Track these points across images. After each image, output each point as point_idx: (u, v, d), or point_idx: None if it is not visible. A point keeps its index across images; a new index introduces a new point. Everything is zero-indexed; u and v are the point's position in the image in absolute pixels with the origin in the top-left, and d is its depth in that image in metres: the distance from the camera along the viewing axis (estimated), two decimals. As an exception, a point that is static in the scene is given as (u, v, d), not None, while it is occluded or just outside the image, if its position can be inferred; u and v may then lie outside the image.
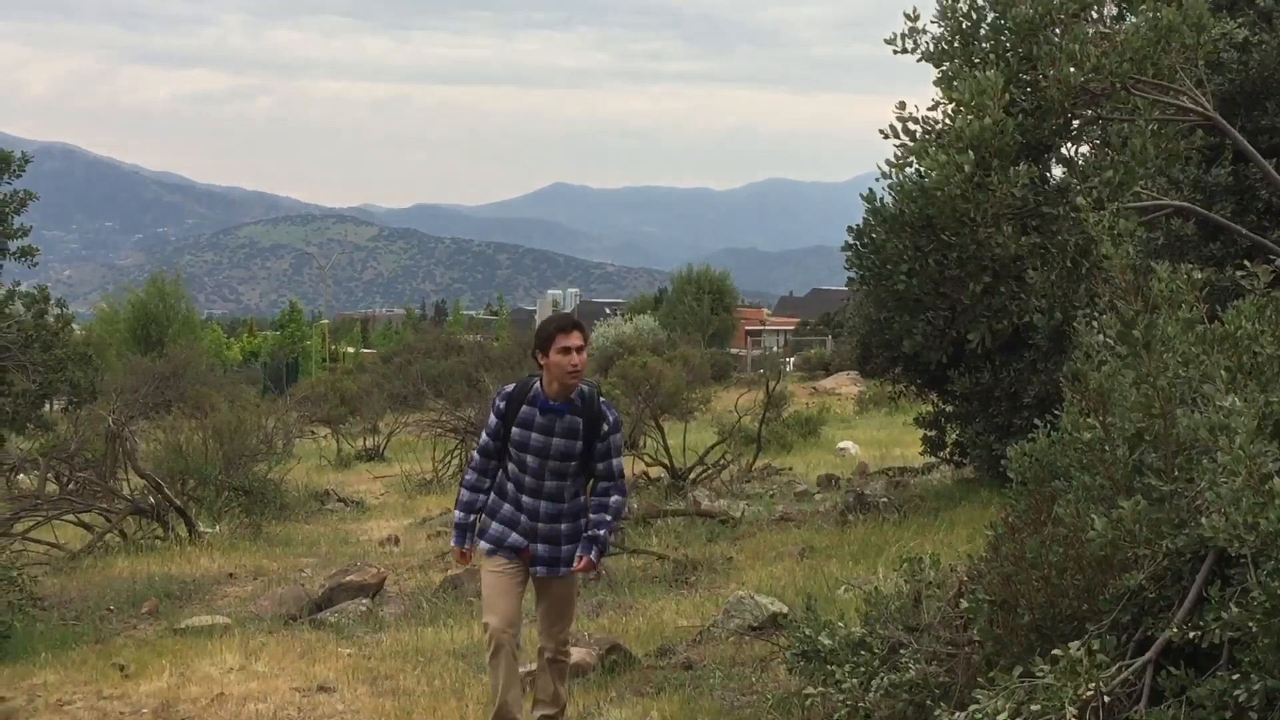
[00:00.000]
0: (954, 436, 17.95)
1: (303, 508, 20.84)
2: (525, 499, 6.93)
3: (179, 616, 12.27)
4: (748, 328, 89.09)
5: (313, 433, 34.16)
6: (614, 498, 7.01)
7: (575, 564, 6.96)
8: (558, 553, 6.99)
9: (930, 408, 18.48)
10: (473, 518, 7.07)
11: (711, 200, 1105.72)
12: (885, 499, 15.71)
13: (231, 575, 14.83)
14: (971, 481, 16.74)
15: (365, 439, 32.24)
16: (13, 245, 14.54)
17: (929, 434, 18.43)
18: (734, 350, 72.52)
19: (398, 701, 8.90)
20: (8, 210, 14.42)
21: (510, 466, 6.96)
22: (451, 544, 7.35)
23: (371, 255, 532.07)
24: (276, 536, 17.97)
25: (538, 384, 6.85)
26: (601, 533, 6.96)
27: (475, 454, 7.10)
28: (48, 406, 16.66)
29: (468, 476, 7.12)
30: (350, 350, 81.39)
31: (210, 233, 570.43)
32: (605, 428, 6.91)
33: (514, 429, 6.84)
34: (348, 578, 12.92)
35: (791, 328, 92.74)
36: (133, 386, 32.58)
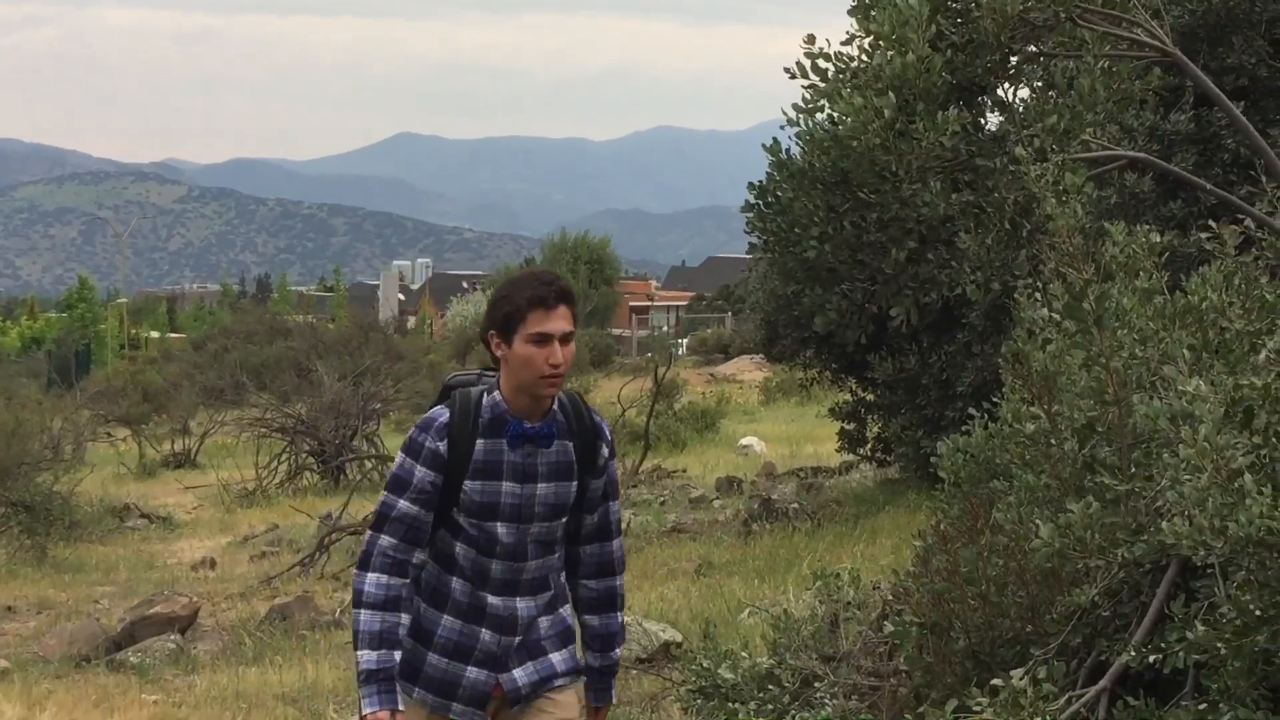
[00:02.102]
0: (876, 430, 18.13)
1: (97, 526, 20.52)
2: (492, 601, 4.60)
3: (-55, 660, 12.03)
4: (633, 304, 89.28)
5: (109, 435, 33.66)
6: (618, 579, 4.95)
7: (592, 716, 5.02)
8: (550, 668, 4.76)
9: (848, 397, 18.65)
10: (396, 655, 4.45)
11: (588, 152, 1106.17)
12: (796, 505, 15.80)
13: (9, 609, 14.57)
14: (897, 483, 16.92)
15: (173, 442, 31.83)
16: None
17: (847, 428, 18.59)
18: (616, 331, 72.67)
19: (215, 757, 8.81)
20: None
21: (458, 550, 4.60)
22: (364, 710, 4.38)
23: (179, 220, 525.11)
24: (65, 562, 17.70)
25: (497, 396, 4.57)
26: (617, 653, 5.02)
27: (380, 535, 4.52)
28: None
29: (370, 579, 4.46)
30: (154, 335, 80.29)
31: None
32: (605, 452, 4.77)
33: (467, 484, 4.52)
34: (153, 610, 12.75)
35: (684, 303, 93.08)
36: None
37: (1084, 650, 5.63)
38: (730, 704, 7.25)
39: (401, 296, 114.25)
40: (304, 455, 24.57)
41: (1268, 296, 5.60)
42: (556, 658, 4.76)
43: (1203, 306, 5.80)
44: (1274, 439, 4.79)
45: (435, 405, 4.67)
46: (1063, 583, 5.74)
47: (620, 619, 4.96)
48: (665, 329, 79.64)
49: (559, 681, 4.76)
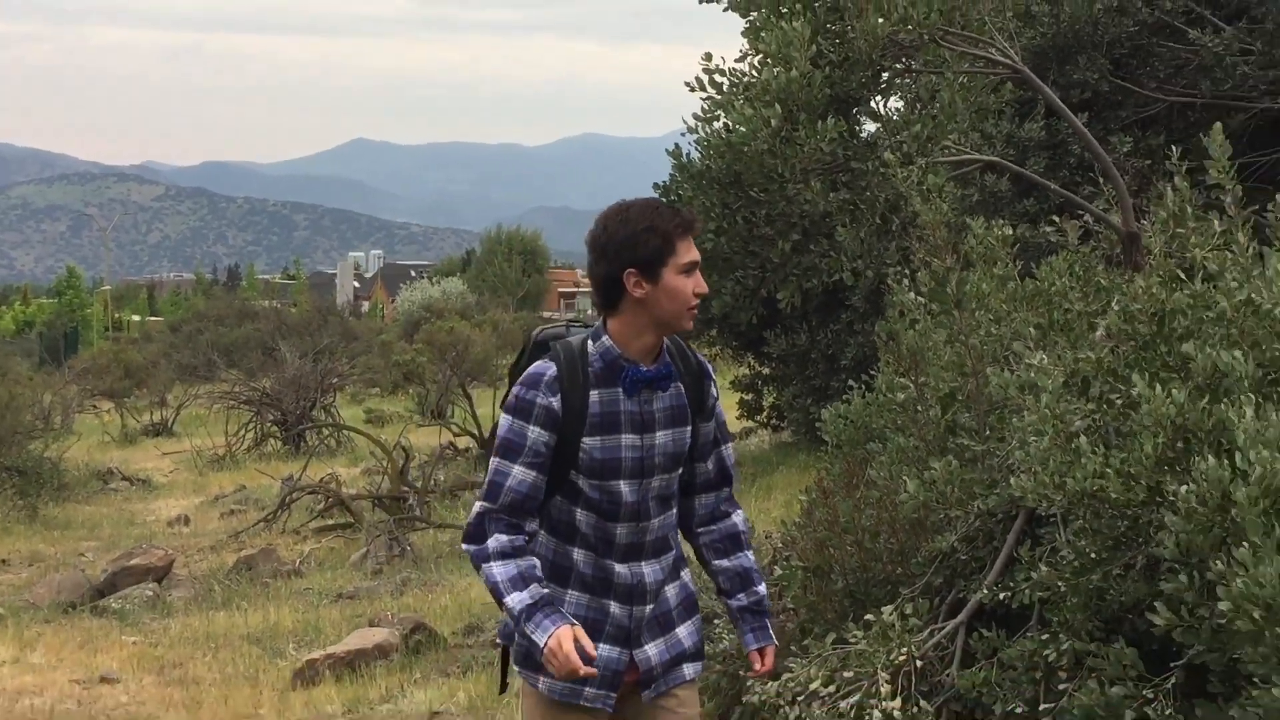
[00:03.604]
0: (771, 400, 18.22)
1: (83, 488, 20.34)
2: (618, 568, 3.75)
3: (-56, 607, 11.89)
4: (561, 290, 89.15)
5: (95, 407, 33.31)
6: (740, 515, 4.09)
7: (766, 658, 4.03)
8: (679, 645, 3.88)
9: (747, 370, 18.72)
10: (546, 589, 3.62)
11: (522, 156, 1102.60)
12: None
13: (4, 561, 14.43)
14: (789, 445, 17.01)
15: (152, 413, 31.51)
16: None
17: (745, 398, 18.68)
18: (547, 314, 72.51)
19: (186, 690, 8.75)
20: None
21: (579, 517, 3.75)
22: (542, 640, 3.49)
23: (157, 216, 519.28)
24: (54, 519, 17.52)
25: (606, 341, 3.71)
26: (762, 588, 4.05)
27: (492, 506, 3.66)
28: None
29: (490, 542, 3.64)
30: (135, 319, 79.46)
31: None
32: (713, 391, 3.93)
33: (585, 441, 3.66)
34: (132, 561, 12.66)
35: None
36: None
37: (945, 589, 5.69)
38: (641, 639, 7.27)
39: (356, 284, 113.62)
40: (268, 424, 24.41)
41: (1103, 282, 5.66)
42: (683, 631, 3.88)
43: (1049, 291, 5.85)
44: (1106, 406, 4.85)
45: (526, 362, 3.83)
46: (927, 531, 5.80)
47: (751, 557, 4.02)
48: (589, 312, 79.39)
49: (687, 671, 3.88)
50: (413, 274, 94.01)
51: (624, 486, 3.69)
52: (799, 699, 5.38)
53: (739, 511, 4.02)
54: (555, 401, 3.62)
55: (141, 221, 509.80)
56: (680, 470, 3.83)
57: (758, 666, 3.98)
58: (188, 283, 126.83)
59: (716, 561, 3.98)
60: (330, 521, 15.26)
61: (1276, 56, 11.79)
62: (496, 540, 3.62)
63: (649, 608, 3.79)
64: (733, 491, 4.04)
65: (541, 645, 3.48)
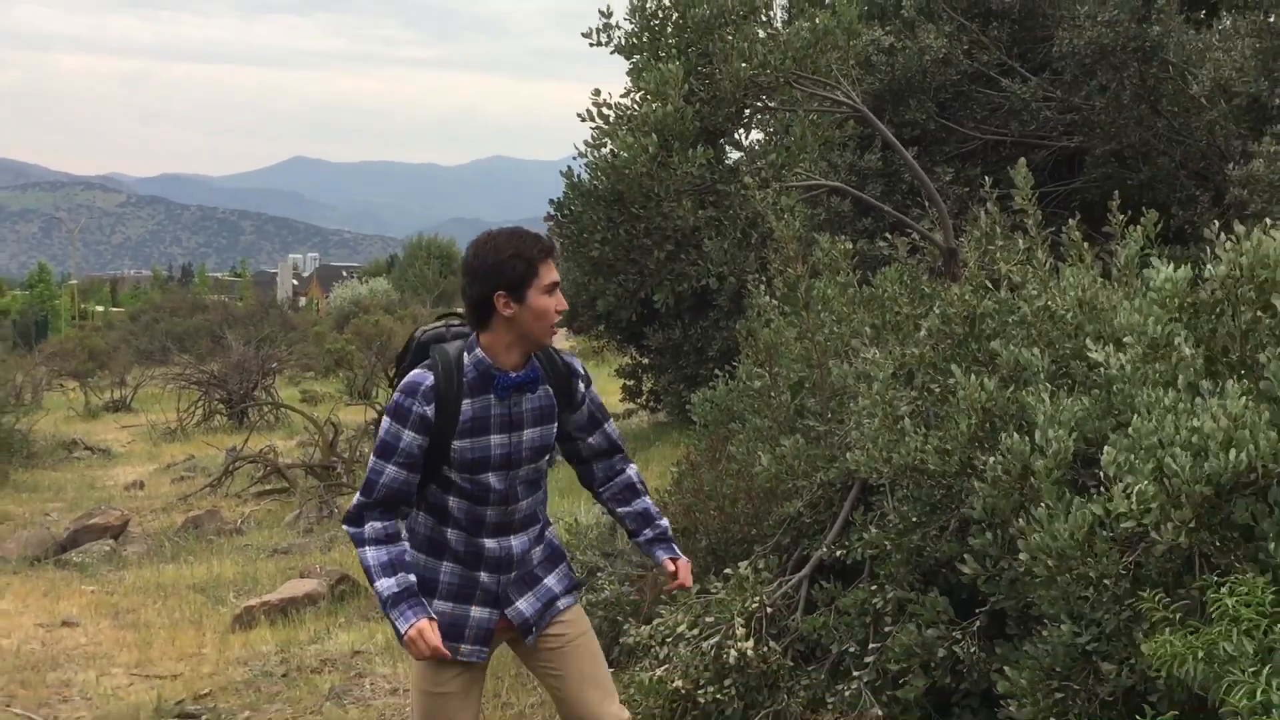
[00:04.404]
0: (650, 385, 18.26)
1: (50, 456, 19.85)
2: (488, 544, 3.73)
3: (-76, 561, 11.54)
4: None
5: (61, 385, 32.54)
6: (633, 469, 4.01)
7: (671, 574, 3.94)
8: (549, 592, 3.85)
9: (629, 360, 18.75)
10: (412, 576, 3.59)
11: (440, 175, 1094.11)
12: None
13: (-24, 521, 14.03)
14: (665, 425, 17.06)
15: (113, 391, 30.83)
16: None
17: (628, 383, 18.71)
18: (460, 309, 71.92)
19: (139, 633, 8.59)
20: None
21: (451, 503, 3.70)
22: (401, 630, 3.51)
23: (120, 220, 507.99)
24: (23, 483, 17.08)
25: (479, 353, 3.63)
26: (663, 521, 4.00)
27: (365, 501, 3.63)
28: None
29: (367, 529, 3.61)
30: (99, 309, 77.71)
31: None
32: (580, 385, 3.85)
33: (456, 444, 3.61)
34: (92, 520, 12.39)
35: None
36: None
37: (792, 547, 5.74)
38: (534, 589, 7.25)
39: (295, 282, 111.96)
40: (215, 402, 23.98)
41: (926, 290, 5.74)
42: (551, 580, 3.84)
43: (882, 296, 5.93)
44: (927, 393, 4.92)
45: (408, 363, 3.78)
46: (777, 498, 5.84)
47: (648, 500, 3.98)
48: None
49: (561, 604, 3.83)
50: (344, 274, 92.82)
51: (492, 479, 3.64)
52: (667, 640, 5.41)
53: (631, 466, 3.98)
54: (429, 410, 3.54)
55: (105, 225, 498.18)
56: (548, 457, 3.78)
57: (679, 578, 3.88)
58: (146, 279, 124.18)
59: (619, 509, 3.96)
60: (268, 487, 15.04)
61: (1073, 103, 12.03)
62: (371, 527, 3.57)
63: (513, 574, 3.74)
64: (624, 455, 3.98)
65: (401, 632, 3.49)
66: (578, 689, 3.81)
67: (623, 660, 5.87)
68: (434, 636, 3.48)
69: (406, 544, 3.64)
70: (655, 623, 5.57)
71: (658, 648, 5.43)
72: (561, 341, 40.53)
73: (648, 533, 3.95)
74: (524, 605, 3.77)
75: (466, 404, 3.59)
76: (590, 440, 3.90)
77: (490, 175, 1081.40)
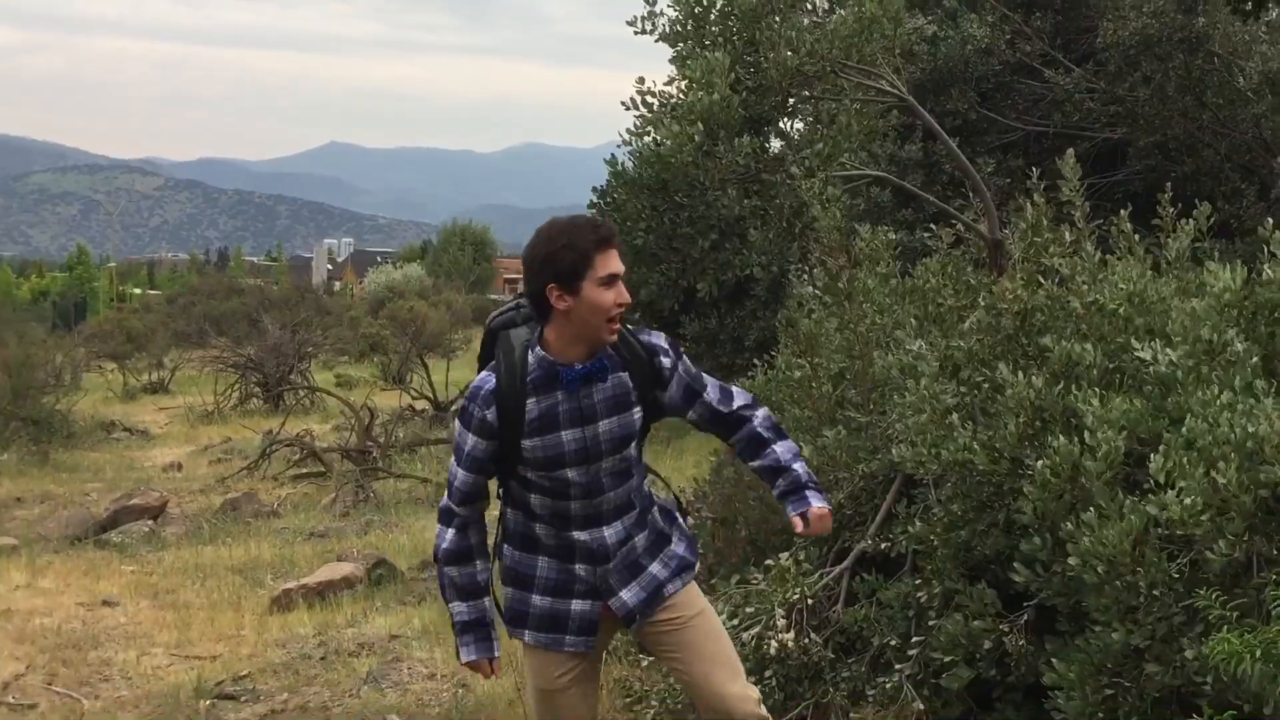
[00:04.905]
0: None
1: (89, 437, 20.00)
2: (580, 537, 3.57)
3: (-34, 539, 11.64)
4: (506, 276, 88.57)
5: (100, 367, 32.71)
6: (760, 417, 3.72)
7: (809, 519, 3.60)
8: (654, 580, 3.66)
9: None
10: (486, 601, 3.67)
11: (475, 161, 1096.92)
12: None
13: (19, 499, 14.15)
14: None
15: (151, 373, 31.01)
16: None
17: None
18: (493, 296, 72.11)
19: (178, 614, 8.63)
20: None
21: (533, 500, 3.57)
22: (461, 659, 3.68)
23: (158, 204, 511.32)
24: (63, 463, 17.22)
25: (539, 351, 3.47)
26: (797, 466, 3.67)
27: (447, 499, 3.65)
28: None
29: (444, 537, 3.66)
30: (137, 291, 78.18)
31: (0, 180, 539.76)
32: (665, 362, 3.58)
33: (526, 443, 3.47)
34: (131, 501, 12.47)
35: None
36: (-82, 323, 30.77)
37: (832, 539, 5.69)
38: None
39: (330, 267, 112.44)
40: (252, 385, 24.10)
41: (971, 281, 5.69)
42: (655, 566, 3.65)
43: (924, 288, 5.87)
44: (974, 388, 4.87)
45: (482, 354, 3.63)
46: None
47: (779, 448, 3.67)
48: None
49: (668, 589, 3.64)
50: (379, 259, 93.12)
51: (570, 474, 3.49)
52: (707, 630, 5.38)
53: (758, 415, 3.69)
54: (490, 414, 3.44)
55: (144, 208, 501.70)
56: (635, 440, 3.58)
57: (799, 528, 3.61)
58: (183, 262, 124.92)
59: (751, 463, 3.76)
60: (304, 470, 15.10)
61: (1116, 94, 11.92)
62: (446, 539, 3.61)
63: (613, 563, 3.58)
64: (743, 410, 3.69)
65: (461, 660, 3.64)
66: (700, 670, 3.67)
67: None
68: (487, 672, 3.65)
69: (478, 564, 3.63)
70: (695, 612, 5.54)
71: (697, 637, 5.40)
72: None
73: (781, 483, 3.68)
74: (627, 595, 3.61)
75: (531, 403, 3.45)
76: (693, 415, 3.67)
77: (525, 162, 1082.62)
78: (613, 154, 8.07)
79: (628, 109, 7.16)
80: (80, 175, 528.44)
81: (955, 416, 4.62)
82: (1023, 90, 12.54)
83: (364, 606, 8.45)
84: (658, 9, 7.10)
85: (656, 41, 7.14)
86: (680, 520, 3.83)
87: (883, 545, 5.18)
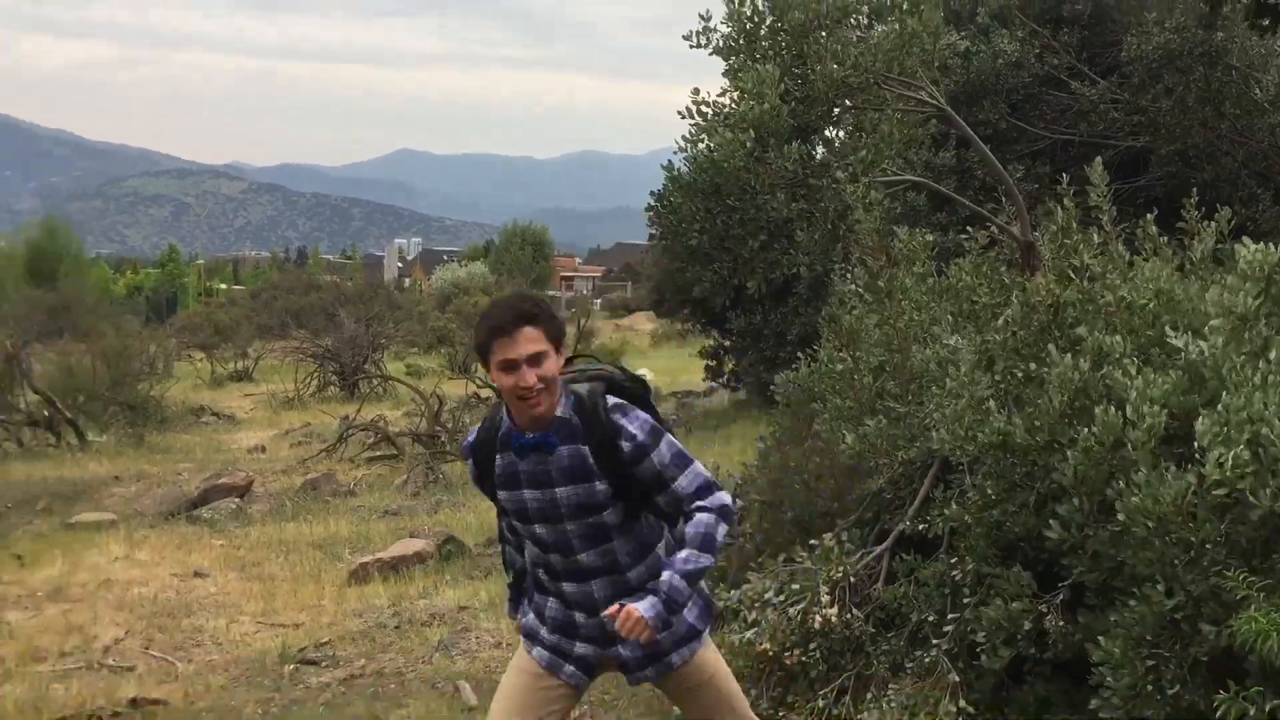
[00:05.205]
0: (730, 366, 18.19)
1: (181, 421, 20.22)
2: (566, 588, 3.53)
3: (70, 513, 11.79)
4: (563, 274, 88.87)
5: (190, 356, 33.07)
6: (697, 519, 3.33)
7: (618, 615, 3.24)
8: (654, 645, 3.46)
9: (711, 342, 18.69)
10: (527, 607, 3.71)
11: (534, 166, 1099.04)
12: (674, 416, 15.84)
13: (117, 478, 14.32)
14: (744, 403, 16.99)
15: (236, 362, 31.32)
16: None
17: (710, 364, 18.65)
18: (551, 292, 72.31)
19: (263, 585, 8.71)
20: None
21: (527, 546, 3.61)
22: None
23: (242, 206, 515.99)
24: (157, 445, 17.42)
25: (503, 416, 3.47)
26: (666, 582, 3.25)
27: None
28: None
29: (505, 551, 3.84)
30: (223, 287, 78.98)
31: (98, 183, 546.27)
32: (625, 445, 3.35)
33: (499, 494, 3.50)
34: (220, 480, 12.59)
35: (599, 274, 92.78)
36: (28, 315, 31.17)
37: (873, 521, 5.67)
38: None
39: (400, 264, 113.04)
40: (329, 374, 24.27)
41: (1005, 280, 5.63)
42: (662, 635, 3.38)
43: (959, 286, 5.83)
44: (1008, 378, 4.83)
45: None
46: (860, 474, 5.77)
47: (684, 557, 3.27)
48: (585, 292, 79.35)
49: (675, 660, 3.50)
50: (445, 258, 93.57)
51: (538, 529, 3.43)
52: (756, 605, 5.36)
53: (700, 516, 3.32)
54: (470, 465, 3.53)
55: (229, 210, 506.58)
56: (608, 510, 3.38)
57: (624, 617, 3.22)
58: (265, 260, 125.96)
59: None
60: (378, 453, 15.19)
61: (1139, 104, 11.77)
62: (502, 550, 3.83)
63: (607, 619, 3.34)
64: (702, 502, 3.33)
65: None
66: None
67: (713, 622, 5.85)
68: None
69: (521, 559, 3.69)
70: (744, 588, 5.53)
71: (746, 612, 5.38)
72: (646, 324, 40.15)
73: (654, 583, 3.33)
74: (625, 650, 3.50)
75: (499, 458, 3.43)
76: (659, 499, 3.39)
77: (580, 167, 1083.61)
78: (669, 160, 8.07)
79: (683, 118, 7.16)
80: (171, 180, 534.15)
81: (991, 404, 4.58)
82: (1051, 101, 12.40)
83: (434, 580, 8.50)
84: (712, 25, 7.08)
85: (710, 55, 7.13)
86: (701, 585, 3.56)
87: (920, 527, 5.15)
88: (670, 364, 29.21)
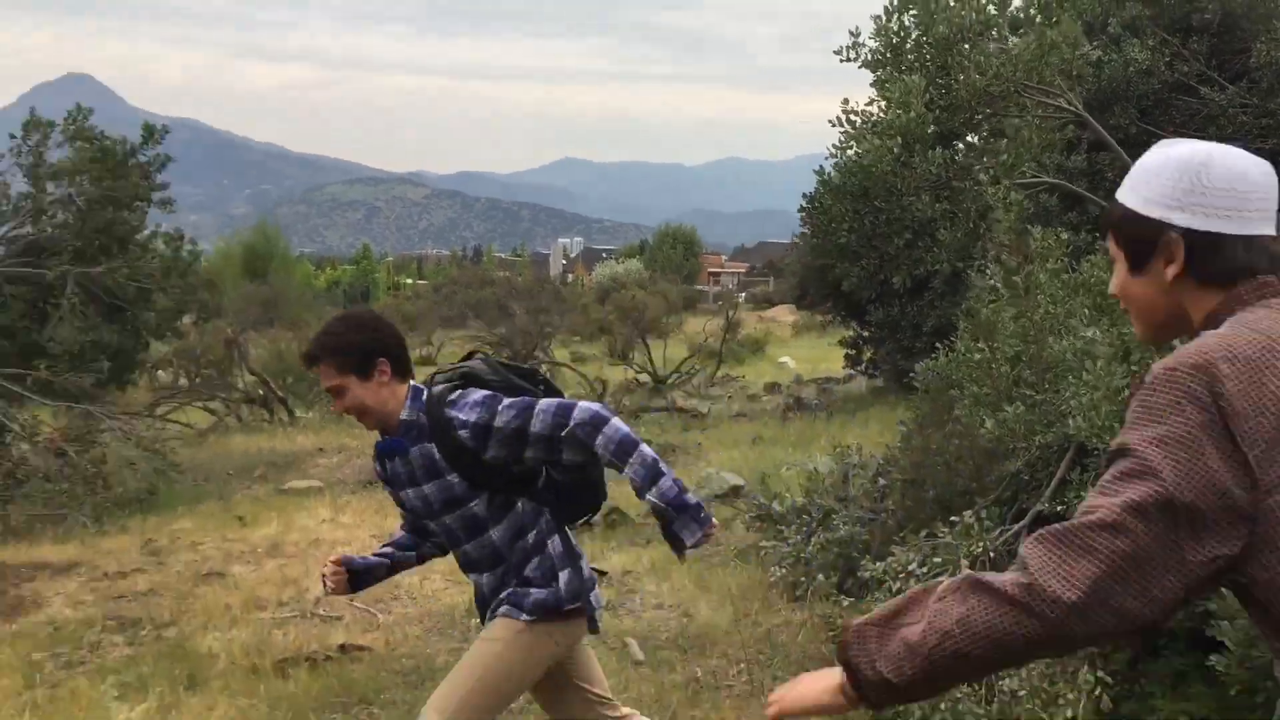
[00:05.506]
0: (868, 355, 17.95)
1: (374, 400, 20.78)
2: (472, 579, 3.43)
3: (282, 480, 12.24)
4: (710, 269, 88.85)
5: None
6: (599, 440, 3.08)
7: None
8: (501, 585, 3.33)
9: (851, 333, 18.48)
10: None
11: (683, 173, 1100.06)
12: (816, 402, 15.71)
13: (321, 450, 14.81)
14: (881, 390, 16.74)
15: (421, 349, 32.07)
16: (155, 196, 14.41)
17: (849, 353, 18.43)
18: (699, 286, 72.36)
19: (453, 546, 8.91)
20: (153, 169, 14.29)
21: None
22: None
23: (424, 210, 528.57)
24: (354, 421, 17.86)
25: None
26: (648, 496, 3.10)
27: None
28: (182, 321, 16.65)
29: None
30: (409, 281, 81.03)
31: (302, 190, 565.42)
32: (464, 435, 3.14)
33: (392, 492, 3.41)
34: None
35: (743, 270, 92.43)
36: (244, 307, 32.41)
37: (1011, 501, 5.55)
38: (777, 526, 7.23)
39: (564, 261, 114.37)
40: (505, 360, 24.71)
41: (1141, 276, 5.44)
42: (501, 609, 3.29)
43: (1092, 281, 5.66)
44: (1144, 369, 4.67)
45: None
46: (999, 457, 5.65)
47: (631, 470, 3.05)
48: (730, 287, 79.18)
49: (498, 607, 3.29)
50: (604, 255, 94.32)
51: (429, 524, 3.36)
52: (899, 576, 5.29)
53: (603, 458, 3.11)
54: (376, 466, 3.39)
55: (413, 213, 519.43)
56: (475, 503, 3.22)
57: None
58: (445, 258, 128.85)
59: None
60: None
61: (1268, 108, 11.23)
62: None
63: (489, 610, 3.32)
64: (602, 439, 3.07)
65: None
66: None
67: (858, 591, 5.79)
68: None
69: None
70: (889, 560, 5.46)
71: (890, 582, 5.32)
72: (787, 315, 39.67)
73: (648, 508, 3.24)
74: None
75: (380, 463, 3.36)
76: (566, 455, 3.13)
77: (726, 173, 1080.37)
78: (821, 165, 7.99)
79: (833, 126, 7.09)
80: (364, 186, 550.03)
81: (1128, 394, 4.43)
82: (1180, 106, 11.89)
83: (601, 546, 8.57)
84: (861, 40, 6.99)
85: (859, 68, 7.04)
86: (562, 571, 3.29)
87: (1058, 508, 5.02)
88: (811, 353, 28.97)
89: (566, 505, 3.43)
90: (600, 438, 3.07)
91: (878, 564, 5.49)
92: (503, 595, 3.28)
